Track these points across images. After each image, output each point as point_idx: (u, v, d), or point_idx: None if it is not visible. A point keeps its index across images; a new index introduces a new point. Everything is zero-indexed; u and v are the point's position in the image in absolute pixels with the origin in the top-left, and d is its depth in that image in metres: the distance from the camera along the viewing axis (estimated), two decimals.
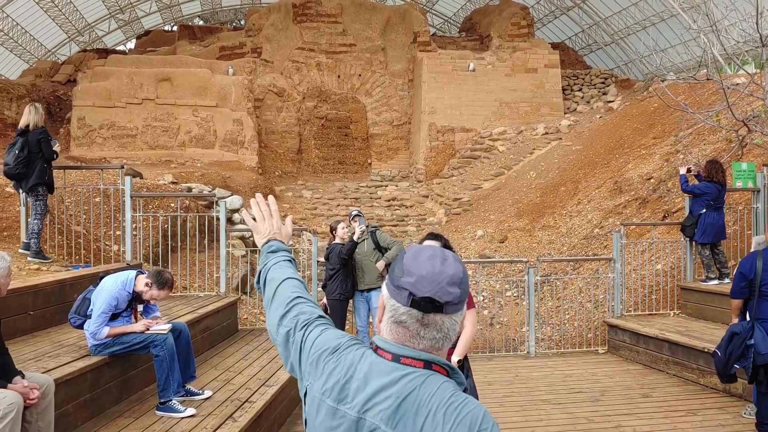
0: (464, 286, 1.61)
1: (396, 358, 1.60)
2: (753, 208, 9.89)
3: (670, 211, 12.88)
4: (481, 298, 13.71)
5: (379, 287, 7.80)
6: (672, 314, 9.28)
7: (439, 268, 1.60)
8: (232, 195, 16.25)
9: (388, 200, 22.47)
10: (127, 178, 8.94)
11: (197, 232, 11.04)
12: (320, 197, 22.26)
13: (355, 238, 7.69)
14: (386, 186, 24.17)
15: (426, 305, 1.57)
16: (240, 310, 9.98)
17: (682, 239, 9.78)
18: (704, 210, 9.05)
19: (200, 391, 5.71)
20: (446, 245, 4.60)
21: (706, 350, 7.13)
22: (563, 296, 11.88)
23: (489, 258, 14.23)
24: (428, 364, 1.59)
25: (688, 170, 9.47)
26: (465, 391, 1.61)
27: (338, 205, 21.39)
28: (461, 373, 1.68)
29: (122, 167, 9.16)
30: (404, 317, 1.59)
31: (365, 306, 8.00)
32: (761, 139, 10.42)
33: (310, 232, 17.42)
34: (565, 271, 12.93)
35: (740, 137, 10.94)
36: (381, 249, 7.83)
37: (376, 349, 1.66)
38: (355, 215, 7.83)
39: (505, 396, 7.16)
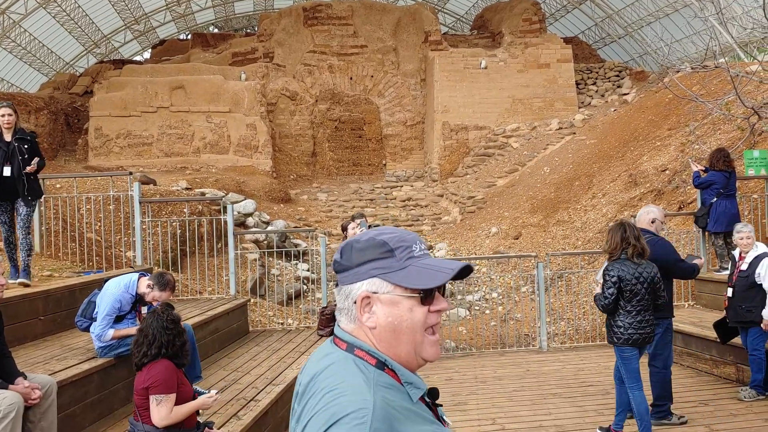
0: (340, 256, 1.56)
1: (332, 338, 1.60)
2: (767, 196, 9.74)
3: (685, 202, 12.73)
4: (496, 294, 13.67)
5: None
6: (686, 305, 9.17)
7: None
8: (245, 199, 16.36)
9: (403, 200, 22.47)
10: (136, 185, 9.04)
11: (213, 237, 11.13)
12: (335, 199, 22.32)
13: None
14: (401, 186, 24.17)
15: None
16: (253, 313, 10.06)
17: (695, 230, 9.67)
18: (715, 199, 8.93)
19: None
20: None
21: (718, 341, 7.03)
22: (578, 291, 11.80)
23: (500, 254, 14.17)
24: (351, 347, 1.52)
25: (705, 170, 9.37)
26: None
27: (353, 207, 21.42)
28: (407, 373, 1.54)
29: (130, 174, 9.27)
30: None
31: None
32: None
33: (324, 234, 17.51)
34: (579, 265, 12.84)
35: (751, 125, 10.78)
36: None
37: None
38: (354, 216, 7.88)
39: (515, 390, 7.12)
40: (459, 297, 13.62)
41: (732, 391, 6.81)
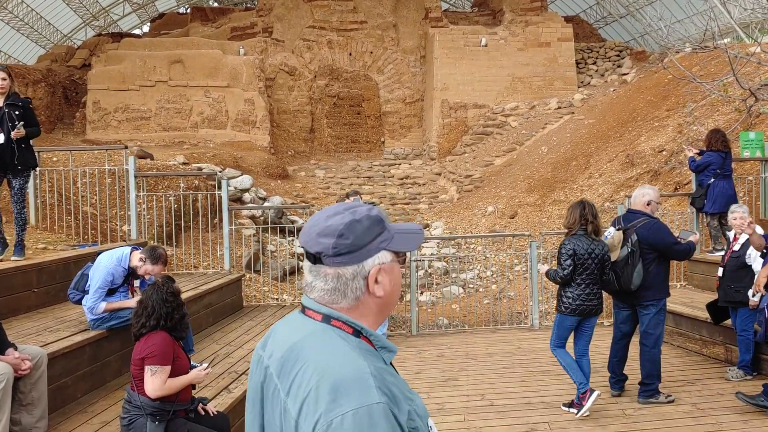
0: (344, 239, 1.56)
1: (303, 309, 1.63)
2: (762, 177, 9.76)
3: (681, 183, 12.74)
4: (490, 273, 13.73)
5: None
6: (678, 286, 9.21)
7: (320, 221, 1.60)
8: (242, 175, 16.35)
9: (401, 178, 22.46)
10: (131, 159, 9.03)
11: (208, 212, 11.13)
12: (333, 176, 22.30)
13: None
14: (399, 164, 24.14)
15: (309, 255, 1.60)
16: (248, 288, 10.10)
17: (689, 211, 9.68)
18: (712, 180, 8.93)
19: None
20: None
21: (708, 321, 7.08)
22: None
23: (495, 233, 14.20)
24: (327, 318, 1.57)
25: (699, 153, 9.34)
26: None
27: (351, 184, 21.41)
28: (381, 337, 1.63)
29: (126, 147, 9.26)
30: (305, 268, 1.64)
31: None
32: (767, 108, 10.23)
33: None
34: None
35: (748, 107, 10.74)
36: None
37: None
38: (348, 193, 7.89)
39: (505, 367, 7.19)
40: (454, 275, 13.68)
41: (720, 371, 6.87)
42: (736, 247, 6.57)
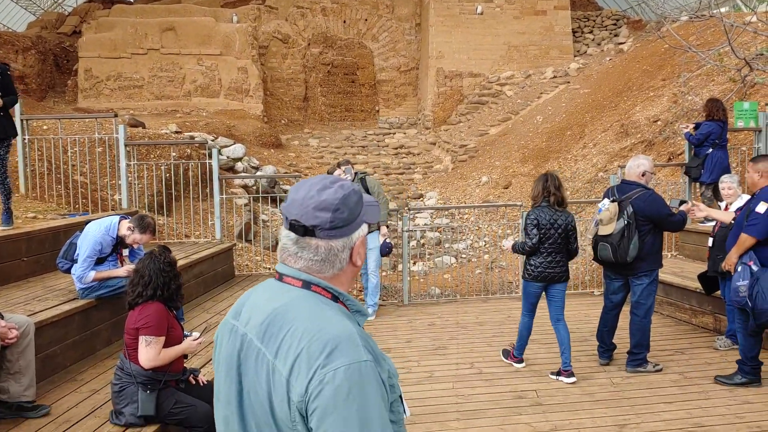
0: (340, 213, 1.62)
1: (281, 277, 1.67)
2: (755, 148, 9.73)
3: (675, 153, 12.72)
4: (483, 243, 13.75)
5: (375, 230, 7.84)
6: (669, 255, 9.25)
7: (312, 194, 1.63)
8: (235, 144, 16.25)
9: (396, 148, 22.35)
10: (121, 127, 8.95)
11: (199, 181, 11.07)
12: (327, 145, 22.18)
13: None
14: (394, 134, 24.00)
15: (298, 228, 1.62)
16: (240, 257, 10.10)
17: (682, 181, 9.67)
18: (710, 150, 8.90)
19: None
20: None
21: (698, 290, 7.11)
22: None
23: (488, 203, 14.20)
24: (307, 284, 1.62)
25: (695, 126, 9.27)
26: None
27: (345, 154, 21.31)
28: (356, 301, 1.70)
29: (116, 116, 9.16)
30: (285, 239, 1.66)
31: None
32: (762, 78, 10.15)
33: None
34: None
35: (743, 76, 10.67)
36: (371, 195, 7.84)
37: None
38: (339, 163, 7.85)
39: (494, 336, 7.24)
40: (447, 245, 13.71)
41: (708, 340, 6.93)
42: None
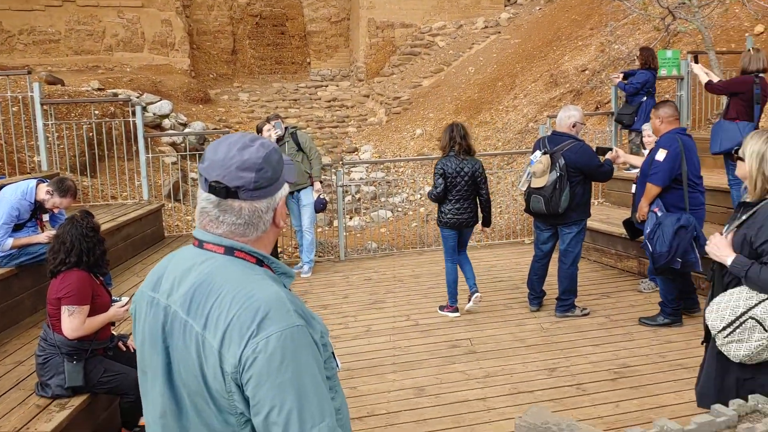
0: (264, 173, 1.56)
1: (200, 244, 1.61)
2: (678, 95, 10.01)
3: (602, 102, 12.99)
4: (418, 196, 13.83)
5: (308, 186, 7.75)
6: (596, 203, 9.50)
7: (233, 153, 1.56)
8: (161, 100, 15.69)
9: (329, 101, 22.06)
10: (36, 85, 8.48)
11: (124, 140, 10.66)
12: (257, 99, 21.70)
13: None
14: (326, 86, 23.65)
15: (219, 189, 1.55)
16: (170, 218, 9.86)
17: (608, 129, 9.89)
18: (645, 98, 9.08)
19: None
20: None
21: (623, 236, 7.35)
22: (496, 191, 12.06)
23: (424, 156, 14.24)
24: (230, 250, 1.57)
25: (624, 75, 9.42)
26: None
27: (277, 107, 20.91)
28: (281, 263, 1.66)
29: (29, 72, 8.67)
30: (204, 203, 1.59)
31: (297, 206, 7.97)
32: (684, 27, 10.40)
33: None
34: (498, 166, 13.07)
35: (666, 25, 10.91)
36: (303, 150, 7.72)
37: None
38: (269, 118, 7.67)
39: (431, 288, 7.34)
40: (383, 199, 13.73)
41: (633, 283, 7.21)
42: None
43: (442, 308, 6.52)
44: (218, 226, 1.58)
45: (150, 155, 9.03)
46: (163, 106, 15.30)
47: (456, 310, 6.42)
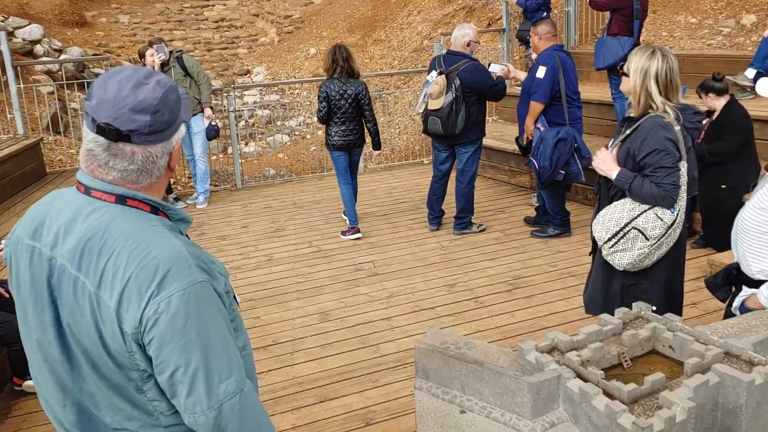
0: (161, 115, 1.44)
1: (87, 191, 1.47)
2: (565, 11, 10.20)
3: (494, 18, 13.05)
4: (316, 119, 13.61)
5: (198, 113, 7.43)
6: (490, 120, 9.69)
7: (126, 93, 1.41)
8: (30, 24, 14.44)
9: (216, 21, 21.00)
10: None
11: None
12: (139, 22, 20.35)
13: (156, 68, 7.10)
14: (213, 6, 22.43)
15: (110, 132, 1.41)
16: (52, 152, 9.27)
17: (500, 46, 9.99)
18: (545, 13, 9.17)
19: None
20: None
21: (516, 152, 7.55)
22: (394, 111, 12.04)
23: (319, 77, 13.92)
24: (121, 199, 1.46)
25: None
26: None
27: (161, 30, 19.72)
28: (178, 209, 1.57)
29: None
30: (92, 145, 1.44)
31: (188, 134, 7.65)
32: None
33: (129, 62, 16.09)
34: (396, 85, 13.01)
35: None
36: (190, 74, 7.35)
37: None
38: (151, 41, 7.21)
39: (332, 213, 7.33)
40: (279, 123, 13.42)
41: (526, 198, 7.49)
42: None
43: (344, 233, 6.53)
44: (108, 172, 1.45)
45: (22, 85, 8.36)
46: (33, 30, 14.06)
47: (358, 230, 6.47)
